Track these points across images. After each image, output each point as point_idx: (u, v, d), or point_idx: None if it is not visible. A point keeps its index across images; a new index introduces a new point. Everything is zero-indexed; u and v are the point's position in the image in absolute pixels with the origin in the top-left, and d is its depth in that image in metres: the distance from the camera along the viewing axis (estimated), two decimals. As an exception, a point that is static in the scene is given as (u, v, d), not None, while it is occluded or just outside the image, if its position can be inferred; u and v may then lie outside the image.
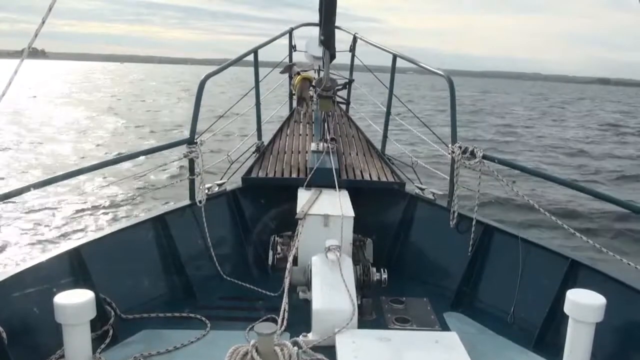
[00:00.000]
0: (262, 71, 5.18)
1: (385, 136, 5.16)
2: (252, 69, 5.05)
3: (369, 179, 4.21)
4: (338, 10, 4.54)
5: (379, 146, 5.10)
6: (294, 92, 6.00)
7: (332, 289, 2.91)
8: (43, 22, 1.86)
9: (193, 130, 3.71)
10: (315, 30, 5.34)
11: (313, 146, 4.54)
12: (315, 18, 5.08)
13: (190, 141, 3.68)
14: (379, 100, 5.97)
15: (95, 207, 10.49)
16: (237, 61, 4.52)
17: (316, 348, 2.62)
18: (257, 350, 2.05)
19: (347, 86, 6.06)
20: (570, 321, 2.51)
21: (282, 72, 6.26)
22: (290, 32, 6.31)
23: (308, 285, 3.13)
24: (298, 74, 5.79)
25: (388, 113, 5.13)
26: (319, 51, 5.27)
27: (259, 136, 5.18)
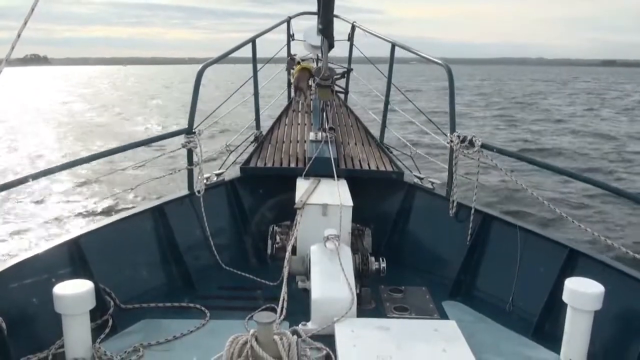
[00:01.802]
0: (261, 66, 5.16)
1: (383, 125, 5.14)
2: (251, 65, 5.03)
3: (368, 169, 4.20)
4: (338, 2, 4.50)
5: (377, 135, 5.09)
6: (292, 81, 5.97)
7: (331, 278, 2.91)
8: (25, 23, 1.81)
9: (191, 120, 3.70)
10: (314, 19, 5.29)
11: (312, 135, 4.53)
12: (314, 7, 5.04)
13: (189, 131, 3.66)
14: (378, 90, 5.93)
15: (92, 198, 10.51)
16: (236, 50, 4.50)
17: (315, 337, 2.63)
18: (256, 340, 2.04)
19: (346, 75, 6.02)
20: (568, 309, 2.52)
21: (287, 69, 6.19)
22: (288, 21, 6.26)
23: (307, 274, 3.13)
24: (298, 63, 5.75)
25: (387, 102, 5.10)
26: (317, 40, 5.22)
27: (258, 126, 5.16)
